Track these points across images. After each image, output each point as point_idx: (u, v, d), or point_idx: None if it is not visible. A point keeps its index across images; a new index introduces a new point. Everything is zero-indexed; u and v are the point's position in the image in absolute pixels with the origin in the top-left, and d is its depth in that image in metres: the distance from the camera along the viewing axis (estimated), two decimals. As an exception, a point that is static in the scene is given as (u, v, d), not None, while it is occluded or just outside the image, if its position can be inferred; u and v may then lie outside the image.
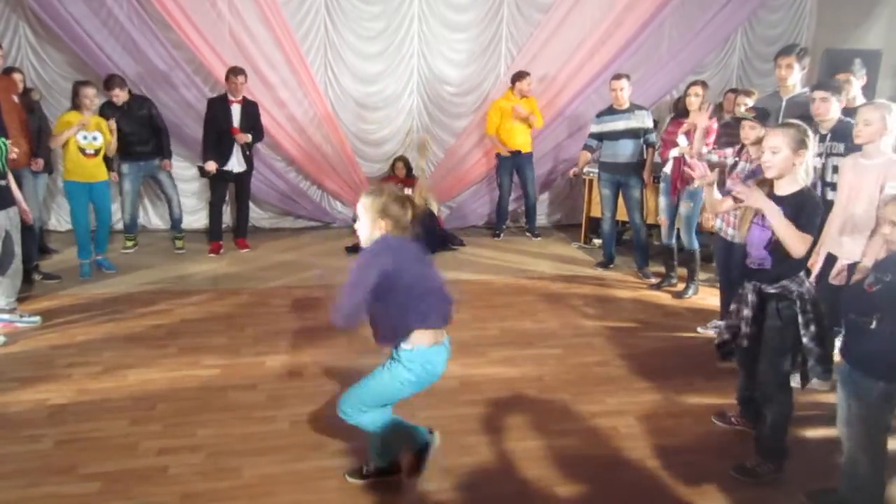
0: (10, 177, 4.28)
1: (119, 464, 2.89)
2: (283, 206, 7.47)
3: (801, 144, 2.77)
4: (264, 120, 6.49)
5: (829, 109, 3.84)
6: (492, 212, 7.78)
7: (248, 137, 6.13)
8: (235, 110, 6.13)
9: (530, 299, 5.32)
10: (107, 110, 5.82)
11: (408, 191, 4.61)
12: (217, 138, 6.12)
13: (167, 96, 6.65)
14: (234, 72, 6.07)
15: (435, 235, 6.78)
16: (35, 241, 5.40)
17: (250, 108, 6.24)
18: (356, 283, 2.39)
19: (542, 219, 7.94)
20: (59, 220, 6.89)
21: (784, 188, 2.83)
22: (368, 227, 2.47)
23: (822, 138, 3.86)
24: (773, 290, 2.87)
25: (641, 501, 2.74)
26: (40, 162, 5.43)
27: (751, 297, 2.95)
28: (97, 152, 5.42)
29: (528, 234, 7.43)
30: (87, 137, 5.34)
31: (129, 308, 4.79)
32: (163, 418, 3.29)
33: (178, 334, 4.35)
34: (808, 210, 2.74)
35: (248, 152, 6.23)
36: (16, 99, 5.10)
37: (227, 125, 6.09)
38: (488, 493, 2.79)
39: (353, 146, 7.48)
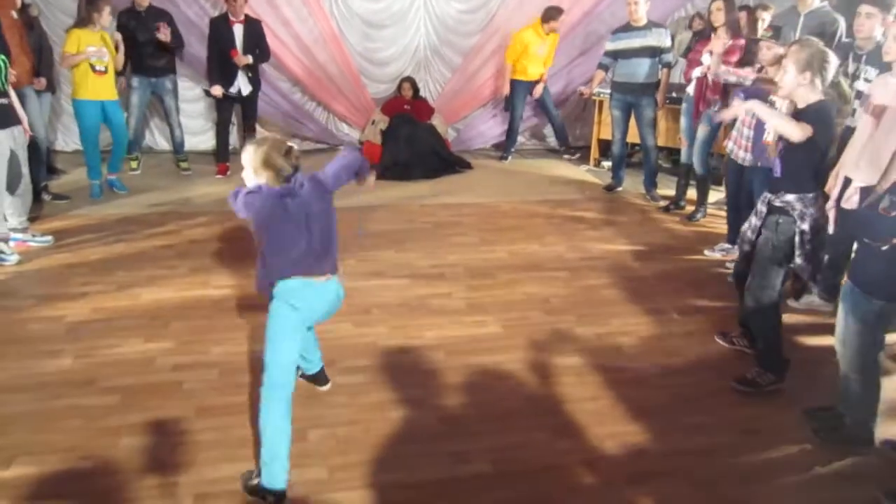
0: (13, 95, 4.22)
1: (136, 378, 2.99)
2: (288, 127, 7.36)
3: (807, 66, 2.69)
4: (269, 39, 6.31)
5: (873, 27, 3.58)
6: (501, 134, 7.67)
7: (249, 59, 5.97)
8: (238, 30, 5.96)
9: (538, 222, 5.31)
10: (124, 17, 5.68)
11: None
12: (221, 61, 5.98)
13: (168, 12, 6.46)
14: None
15: (442, 158, 6.72)
16: (42, 161, 5.39)
17: (253, 28, 6.05)
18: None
19: (551, 140, 7.84)
20: (66, 140, 6.83)
21: (802, 102, 2.79)
22: (251, 178, 2.39)
23: (857, 58, 3.63)
24: (777, 203, 2.90)
25: (643, 418, 2.83)
26: (43, 81, 5.35)
27: (760, 207, 3.00)
28: (107, 69, 5.32)
29: (565, 156, 7.37)
30: (97, 54, 5.22)
31: (140, 229, 4.83)
32: (176, 336, 3.37)
33: (187, 255, 4.40)
34: (820, 118, 2.71)
35: (250, 74, 6.09)
36: (14, 15, 4.96)
37: (229, 46, 5.93)
38: (496, 409, 2.88)
39: (359, 66, 7.31)
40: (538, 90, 7.01)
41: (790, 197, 2.86)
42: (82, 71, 5.23)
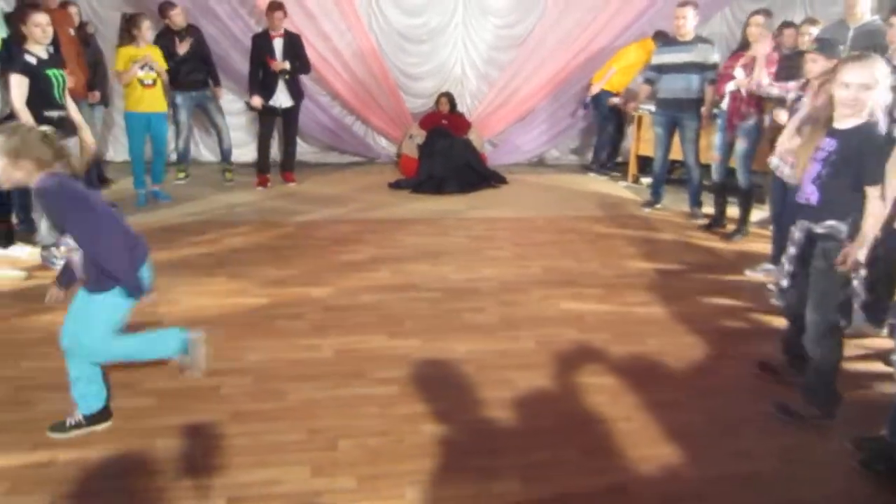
0: (72, 107, 4.38)
1: (173, 382, 3.04)
2: (327, 140, 7.50)
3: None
4: (309, 54, 6.45)
5: None
6: (537, 147, 7.70)
7: (286, 65, 6.08)
8: (278, 44, 6.11)
9: (573, 238, 5.28)
10: (162, 39, 5.88)
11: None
12: (262, 74, 6.13)
13: (214, 29, 6.66)
14: (272, 7, 6.02)
15: (477, 172, 6.74)
16: (93, 171, 5.58)
17: (292, 41, 6.20)
18: (94, 232, 2.43)
19: (588, 156, 7.82)
20: (116, 150, 7.07)
21: (845, 121, 2.67)
22: (9, 170, 2.36)
23: (894, 69, 3.60)
24: (820, 231, 2.75)
25: (678, 441, 2.76)
26: (97, 94, 5.57)
27: (797, 235, 2.85)
28: (154, 82, 5.51)
29: (591, 173, 7.35)
30: (143, 68, 5.42)
31: (181, 237, 4.95)
32: (214, 342, 3.40)
33: (226, 263, 4.49)
34: (875, 148, 2.58)
35: (287, 77, 6.15)
36: (72, 32, 5.18)
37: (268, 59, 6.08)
38: (526, 425, 2.85)
39: (397, 81, 7.41)
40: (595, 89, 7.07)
41: (833, 222, 2.71)
42: (132, 84, 5.43)
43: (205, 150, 7.35)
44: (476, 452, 2.64)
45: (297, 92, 6.32)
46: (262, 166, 6.52)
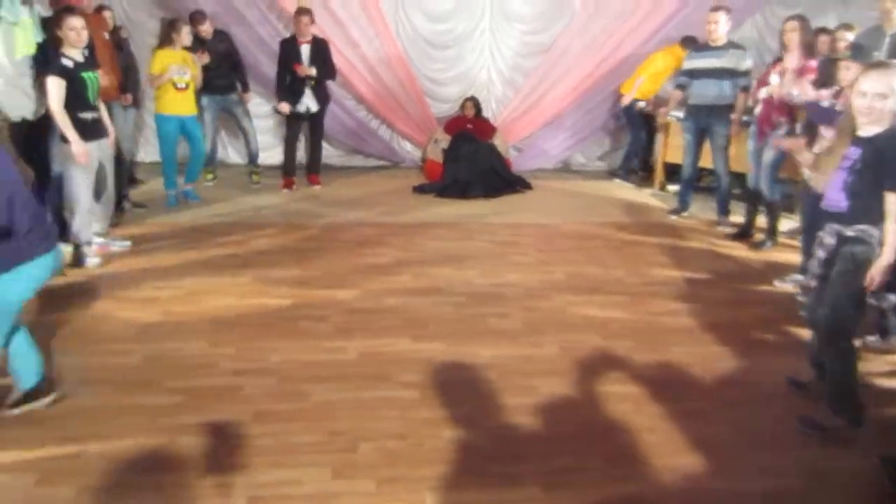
0: (103, 110, 4.48)
1: (199, 381, 3.08)
2: (353, 144, 7.55)
3: None
4: (336, 59, 6.50)
5: None
6: (562, 152, 7.68)
7: (312, 71, 6.13)
8: (305, 50, 6.17)
9: (598, 245, 5.24)
10: (192, 44, 5.97)
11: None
12: (289, 79, 6.19)
13: (243, 34, 6.76)
14: (300, 12, 6.08)
15: (502, 177, 6.73)
16: (125, 171, 5.69)
17: (319, 47, 6.24)
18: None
19: (614, 162, 7.77)
20: (147, 151, 7.19)
21: (868, 129, 2.65)
22: None
23: None
24: (851, 234, 2.72)
25: (703, 452, 2.72)
26: (129, 97, 5.67)
27: (828, 240, 2.81)
28: (187, 86, 5.61)
29: (616, 179, 7.31)
30: (178, 72, 5.52)
31: (209, 237, 5.02)
32: (238, 342, 3.47)
33: (252, 264, 4.53)
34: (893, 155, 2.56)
35: (312, 83, 6.20)
36: (106, 36, 5.29)
37: (295, 64, 6.13)
38: (549, 432, 2.83)
39: (423, 86, 7.44)
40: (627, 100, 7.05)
41: (865, 226, 2.69)
42: (164, 87, 5.52)
43: (233, 153, 7.44)
44: (498, 458, 2.62)
45: (323, 96, 6.37)
46: (288, 169, 6.58)
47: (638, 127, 7.14)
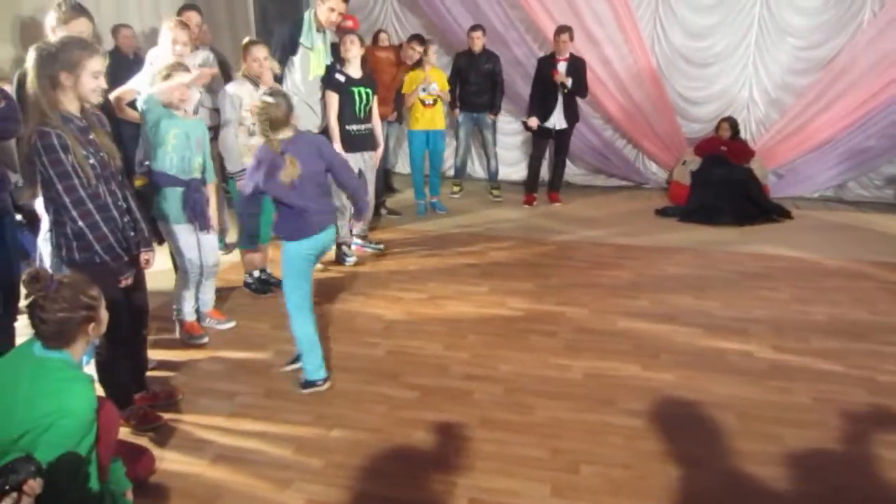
0: (377, 124, 4.93)
1: (433, 380, 3.31)
2: (596, 163, 7.49)
3: None
4: (588, 77, 6.50)
5: None
6: (831, 179, 6.85)
7: (568, 80, 6.17)
8: (562, 67, 6.26)
9: (869, 286, 4.57)
10: (461, 59, 6.43)
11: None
12: (542, 96, 6.34)
13: (500, 54, 7.07)
14: (559, 31, 6.18)
15: (756, 204, 6.18)
16: (384, 181, 6.31)
17: (576, 65, 6.30)
18: None
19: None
20: (405, 163, 7.89)
21: None
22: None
23: None
24: None
25: None
26: (395, 114, 6.28)
27: None
28: (435, 102, 6.06)
29: None
30: (424, 89, 5.99)
31: (451, 246, 5.36)
32: (471, 348, 3.65)
33: (489, 275, 4.73)
34: None
35: (565, 91, 6.22)
36: (392, 58, 5.90)
37: (552, 81, 6.25)
38: (797, 490, 2.54)
39: (675, 105, 7.13)
40: None
41: None
42: (415, 104, 6.03)
43: (478, 167, 7.84)
44: (728, 507, 2.43)
45: (572, 115, 6.41)
46: (530, 185, 6.75)
47: None
